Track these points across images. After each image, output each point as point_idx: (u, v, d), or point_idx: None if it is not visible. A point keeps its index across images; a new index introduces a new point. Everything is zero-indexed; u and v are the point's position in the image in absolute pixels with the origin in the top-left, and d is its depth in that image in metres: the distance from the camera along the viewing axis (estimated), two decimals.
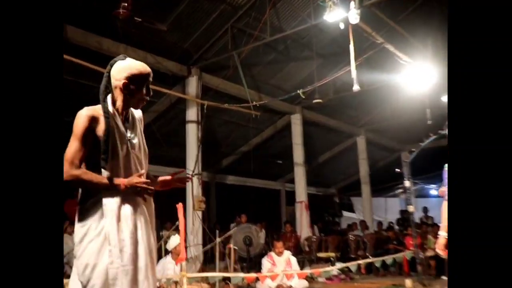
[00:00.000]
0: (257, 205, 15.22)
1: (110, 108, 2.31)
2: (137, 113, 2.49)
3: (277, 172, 16.42)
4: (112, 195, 2.22)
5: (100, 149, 2.23)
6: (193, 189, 8.88)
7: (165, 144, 10.25)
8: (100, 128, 2.24)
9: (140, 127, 2.47)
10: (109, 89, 2.35)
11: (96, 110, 2.28)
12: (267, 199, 16.83)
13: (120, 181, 2.22)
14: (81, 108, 2.29)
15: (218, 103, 9.48)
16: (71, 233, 7.56)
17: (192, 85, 9.22)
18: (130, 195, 2.26)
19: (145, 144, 2.47)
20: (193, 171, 8.88)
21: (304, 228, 11.89)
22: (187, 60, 9.14)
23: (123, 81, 2.30)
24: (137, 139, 2.40)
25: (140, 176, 2.26)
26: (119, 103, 2.34)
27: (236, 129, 12.62)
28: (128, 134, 2.36)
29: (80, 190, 2.31)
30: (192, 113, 9.24)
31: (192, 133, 9.19)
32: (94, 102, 2.40)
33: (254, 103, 9.41)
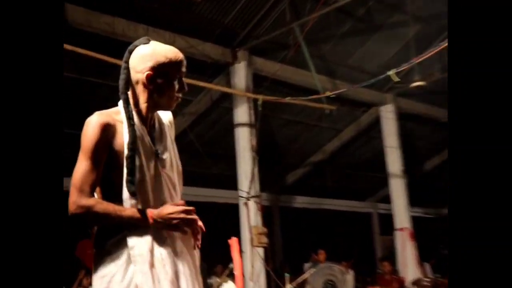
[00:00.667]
0: (339, 236, 15.26)
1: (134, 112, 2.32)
2: (165, 116, 2.51)
3: (365, 188, 16.43)
4: (140, 233, 2.23)
5: (113, 168, 2.24)
6: (250, 217, 8.93)
7: (207, 157, 10.36)
8: (118, 140, 2.25)
9: (170, 135, 2.48)
10: (129, 85, 2.36)
11: (110, 115, 2.30)
12: (353, 227, 16.78)
13: (149, 213, 2.22)
14: (87, 114, 2.30)
15: (277, 97, 9.54)
16: (88, 286, 7.76)
17: (240, 75, 9.32)
18: (164, 231, 2.26)
19: (177, 158, 2.48)
20: (248, 193, 8.94)
21: (410, 266, 11.76)
22: (231, 41, 9.25)
23: (147, 72, 2.29)
24: (167, 153, 2.40)
25: (176, 204, 2.27)
26: (142, 104, 2.35)
27: (303, 131, 12.69)
28: (156, 147, 2.37)
29: (96, 227, 2.32)
30: (241, 113, 9.32)
31: (244, 141, 9.27)
32: (104, 105, 2.43)
33: (327, 93, 9.32)
